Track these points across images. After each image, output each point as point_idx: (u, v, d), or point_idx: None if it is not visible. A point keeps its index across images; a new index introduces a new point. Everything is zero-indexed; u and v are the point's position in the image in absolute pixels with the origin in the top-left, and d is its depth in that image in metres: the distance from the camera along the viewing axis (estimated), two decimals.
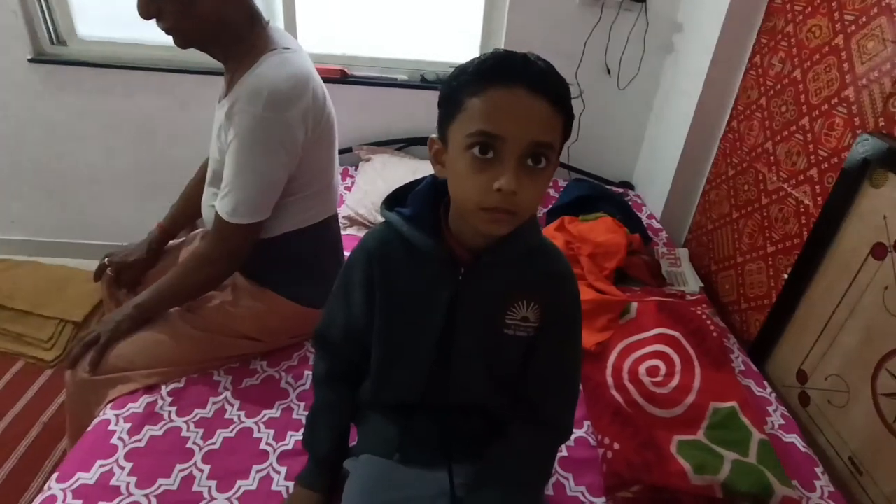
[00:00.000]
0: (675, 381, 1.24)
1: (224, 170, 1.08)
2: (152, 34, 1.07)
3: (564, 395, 0.86)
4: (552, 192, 2.06)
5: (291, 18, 1.90)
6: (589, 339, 1.33)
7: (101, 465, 0.96)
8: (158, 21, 0.99)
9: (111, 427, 1.03)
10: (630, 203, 2.02)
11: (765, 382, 1.34)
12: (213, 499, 0.93)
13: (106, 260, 1.33)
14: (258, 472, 0.99)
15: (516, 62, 0.64)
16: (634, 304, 1.44)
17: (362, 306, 0.83)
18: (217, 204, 1.09)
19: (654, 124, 2.05)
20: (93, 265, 1.36)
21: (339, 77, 1.94)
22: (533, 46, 1.90)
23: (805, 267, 1.34)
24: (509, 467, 0.84)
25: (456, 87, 0.66)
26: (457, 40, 2.01)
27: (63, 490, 0.91)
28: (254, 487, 0.96)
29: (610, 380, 1.24)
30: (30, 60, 1.88)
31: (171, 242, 1.39)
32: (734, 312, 1.64)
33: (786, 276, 1.41)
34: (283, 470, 1.00)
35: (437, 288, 0.77)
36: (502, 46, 1.90)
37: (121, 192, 2.15)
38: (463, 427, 0.86)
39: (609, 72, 1.95)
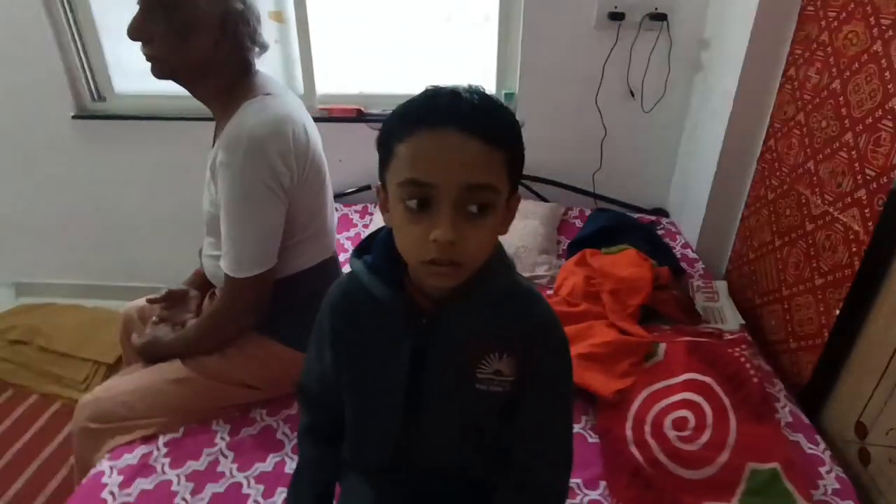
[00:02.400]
0: (705, 437, 1.10)
1: (221, 227, 1.07)
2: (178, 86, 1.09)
3: (556, 455, 0.77)
4: (577, 223, 1.96)
5: (308, 59, 1.93)
6: (607, 385, 1.22)
7: None
8: (144, 46, 1.01)
9: (104, 479, 1.02)
10: (662, 232, 1.90)
11: (817, 437, 1.17)
12: None
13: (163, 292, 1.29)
14: None
15: (443, 101, 0.59)
16: (662, 346, 1.31)
17: (331, 359, 0.78)
18: (222, 263, 1.09)
19: (686, 146, 1.93)
20: None
21: (355, 116, 1.95)
22: (549, 73, 1.86)
23: (858, 301, 1.18)
24: None
25: (385, 133, 0.62)
26: (473, 74, 1.98)
27: None
28: None
29: (629, 433, 1.12)
30: (73, 117, 2.01)
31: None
32: (783, 353, 1.47)
33: (837, 311, 1.25)
34: None
35: (398, 341, 0.71)
36: (517, 77, 1.87)
37: (160, 235, 2.24)
38: (441, 493, 0.79)
39: (633, 94, 1.86)
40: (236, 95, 1.06)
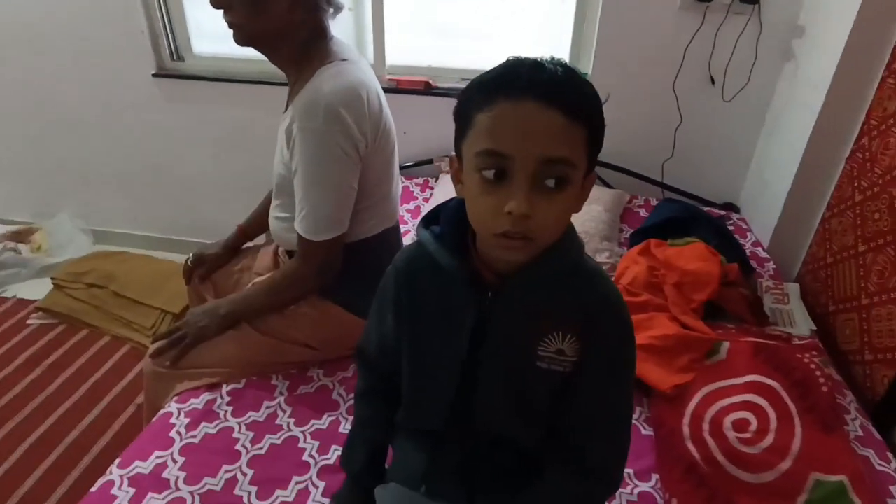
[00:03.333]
0: (767, 440, 1.06)
1: (295, 189, 1.10)
2: (254, 51, 1.11)
3: (613, 441, 0.76)
4: (642, 212, 1.90)
5: (380, 29, 1.93)
6: (665, 379, 1.19)
7: (158, 457, 1.01)
8: (226, 13, 1.04)
9: (172, 420, 1.08)
10: (731, 228, 1.81)
11: (889, 455, 1.11)
12: None
13: (190, 257, 1.44)
14: (297, 483, 0.99)
15: (525, 72, 0.58)
16: (725, 344, 1.26)
17: (392, 325, 0.79)
18: (297, 225, 1.12)
19: (766, 140, 1.82)
20: None
21: (422, 89, 1.94)
22: (626, 55, 1.80)
23: None
24: None
25: (465, 102, 0.61)
26: (544, 50, 1.93)
27: (121, 476, 0.97)
28: (291, 499, 0.96)
29: (686, 429, 1.09)
30: (153, 75, 2.09)
31: (248, 244, 1.46)
32: (855, 364, 1.39)
33: None
34: (322, 485, 0.99)
35: (461, 311, 0.71)
36: (591, 57, 1.81)
37: (224, 194, 2.32)
38: (491, 461, 0.79)
39: (713, 81, 1.76)
40: (312, 60, 1.07)
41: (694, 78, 1.76)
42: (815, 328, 1.41)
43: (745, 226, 1.85)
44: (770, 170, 1.77)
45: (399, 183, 1.30)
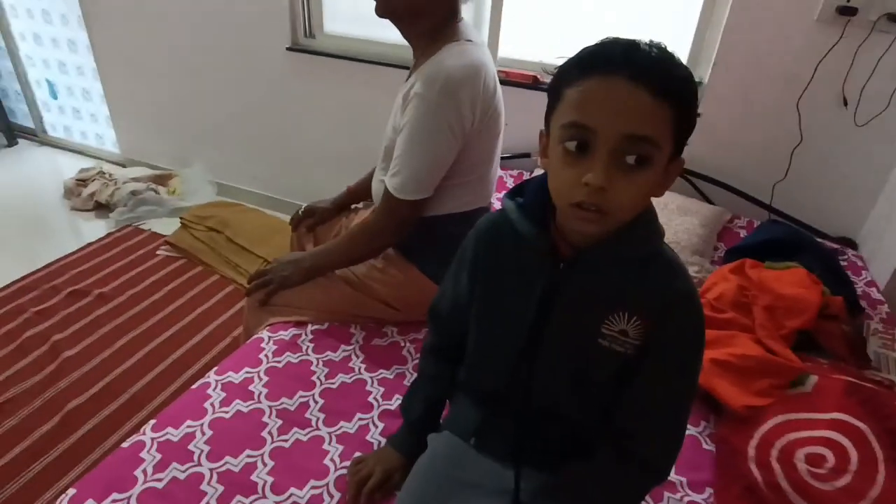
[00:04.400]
0: (843, 481, 0.99)
1: (395, 149, 1.19)
2: (383, 32, 1.21)
3: (665, 433, 0.76)
4: (743, 233, 1.80)
5: (497, 21, 1.99)
6: (739, 398, 1.14)
7: (247, 372, 1.14)
8: None
9: (262, 345, 1.22)
10: (844, 264, 1.67)
11: None
12: (317, 429, 1.04)
13: (301, 207, 1.59)
14: (360, 419, 1.08)
15: (618, 50, 0.60)
16: (813, 378, 1.18)
17: (467, 285, 0.84)
18: (387, 180, 1.20)
19: None
20: None
21: (531, 83, 1.98)
22: (749, 65, 1.73)
23: None
24: (586, 491, 0.77)
25: (558, 77, 0.64)
26: None
27: (217, 381, 1.11)
28: (352, 431, 1.05)
29: (752, 451, 1.05)
30: (287, 49, 2.31)
31: (355, 205, 1.59)
32: None
33: None
34: (381, 426, 1.07)
35: (533, 278, 0.74)
36: (710, 65, 1.75)
37: (335, 165, 2.50)
38: (543, 432, 0.82)
39: (846, 103, 1.64)
40: (440, 37, 1.15)
41: (823, 97, 1.65)
42: None
43: (860, 263, 1.70)
44: None
45: (498, 168, 1.35)
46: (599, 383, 0.77)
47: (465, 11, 2.02)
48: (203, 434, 0.99)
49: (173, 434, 0.98)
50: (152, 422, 1.00)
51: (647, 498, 0.98)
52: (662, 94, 0.58)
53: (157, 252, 2.33)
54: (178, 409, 1.03)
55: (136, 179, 2.72)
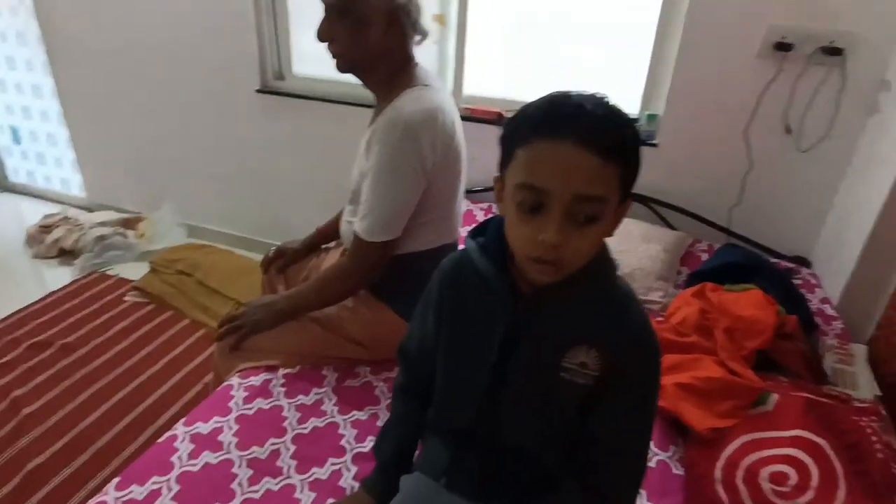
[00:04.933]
0: (805, 498, 1.02)
1: (362, 194, 1.22)
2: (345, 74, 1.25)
3: (624, 464, 0.78)
4: (705, 256, 1.87)
5: (461, 60, 2.07)
6: (703, 421, 1.17)
7: (217, 422, 1.13)
8: (330, 45, 1.19)
9: (232, 392, 1.21)
10: (799, 282, 1.74)
11: None
12: (289, 476, 1.03)
13: (272, 249, 1.60)
14: (333, 464, 1.07)
15: (566, 112, 0.62)
16: (774, 396, 1.23)
17: (433, 325, 0.86)
18: (356, 224, 1.23)
19: (845, 195, 1.75)
20: None
21: (495, 118, 2.04)
22: (699, 98, 1.82)
23: None
24: None
25: (508, 135, 0.67)
26: (619, 94, 1.98)
27: (185, 433, 1.09)
28: (325, 477, 1.04)
29: (719, 473, 1.07)
30: (257, 91, 2.34)
31: (325, 245, 1.60)
32: None
33: None
34: (354, 469, 1.06)
35: (496, 317, 0.77)
36: (664, 99, 1.83)
37: (307, 203, 2.49)
38: (510, 469, 0.83)
39: (789, 131, 1.73)
40: (398, 83, 1.20)
41: (768, 126, 1.74)
42: (880, 394, 1.33)
43: (814, 281, 1.77)
44: (846, 226, 1.69)
45: (463, 204, 1.39)
46: (563, 417, 0.78)
47: (429, 55, 2.11)
48: (170, 490, 0.97)
49: (138, 492, 0.96)
50: (116, 480, 0.98)
51: None
52: (609, 154, 0.61)
53: (125, 298, 2.29)
54: (143, 465, 1.01)
55: (102, 224, 2.68)
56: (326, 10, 1.17)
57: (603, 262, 0.73)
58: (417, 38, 1.24)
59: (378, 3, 1.14)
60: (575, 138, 0.60)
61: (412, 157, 1.14)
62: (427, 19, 1.94)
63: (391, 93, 1.20)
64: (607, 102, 0.65)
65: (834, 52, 1.61)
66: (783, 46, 1.64)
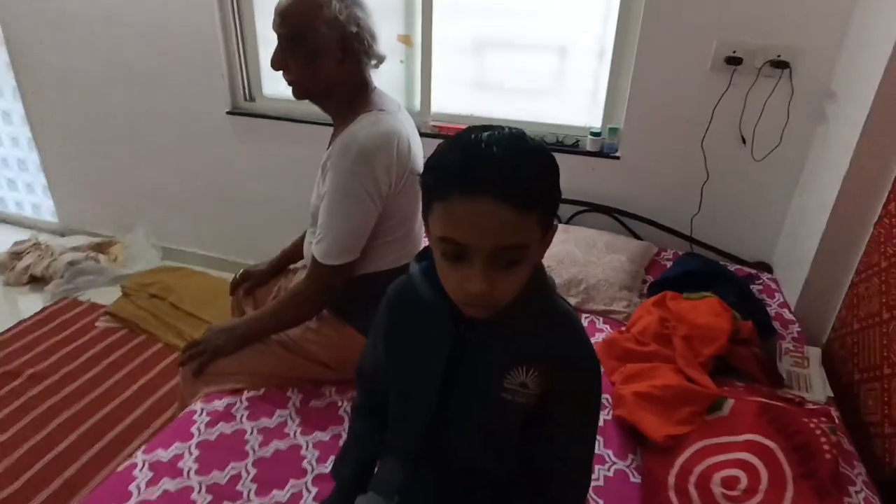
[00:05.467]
0: (754, 500, 1.05)
1: (318, 217, 1.24)
2: None
3: (570, 474, 0.80)
4: (669, 264, 1.91)
5: (427, 79, 2.10)
6: (660, 429, 1.19)
7: (177, 448, 1.13)
8: (284, 73, 1.21)
9: (195, 417, 1.21)
10: (759, 288, 1.79)
11: None
12: (249, 500, 1.04)
13: (238, 273, 1.60)
14: (293, 486, 1.08)
15: (480, 166, 0.61)
16: (730, 401, 1.26)
17: (383, 348, 0.87)
18: (313, 248, 1.25)
19: (799, 201, 1.81)
20: None
21: None
22: (656, 111, 1.86)
23: None
24: None
25: (426, 186, 0.66)
26: (582, 107, 2.03)
27: (144, 460, 1.09)
28: (284, 500, 1.05)
29: (672, 479, 1.10)
30: (227, 112, 2.36)
31: (292, 265, 1.62)
32: (876, 437, 1.33)
33: None
34: (314, 491, 1.07)
35: (438, 342, 0.78)
36: (625, 111, 1.88)
37: (280, 223, 2.49)
38: (462, 486, 0.85)
39: (744, 141, 1.79)
40: (355, 108, 1.22)
41: (723, 137, 1.80)
42: (831, 395, 1.37)
43: (774, 286, 1.82)
44: (800, 231, 1.74)
45: (423, 224, 1.41)
46: (509, 435, 0.80)
47: (396, 74, 2.15)
48: None
49: None
50: None
51: None
52: (527, 206, 0.61)
53: (97, 324, 2.27)
54: (100, 496, 1.02)
55: (74, 249, 2.66)
56: (279, 39, 1.19)
57: (538, 284, 0.75)
58: (374, 62, 1.26)
59: (330, 34, 1.16)
60: (490, 194, 0.60)
61: (366, 181, 1.16)
62: (391, 41, 2.00)
63: (348, 118, 1.22)
64: (524, 144, 0.64)
65: (781, 64, 1.67)
66: (733, 60, 1.70)
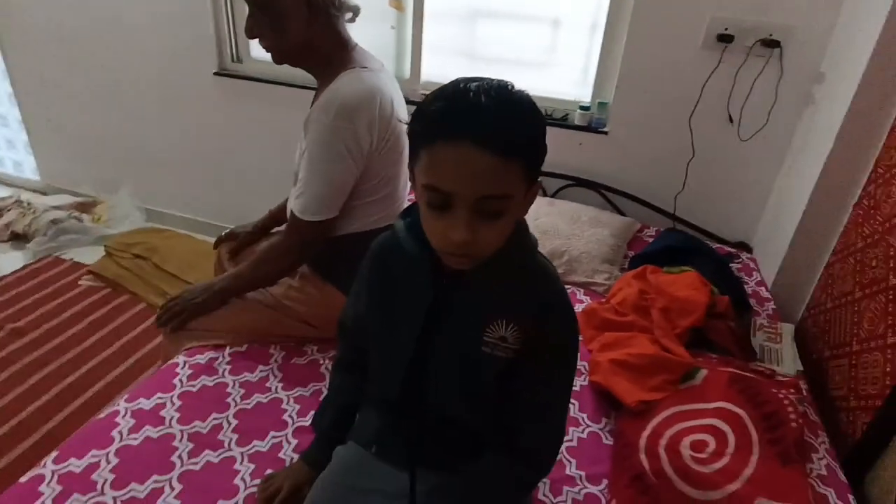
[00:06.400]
0: (721, 463, 1.08)
1: (299, 172, 1.23)
2: None
3: (543, 428, 0.82)
4: (651, 240, 1.93)
5: (418, 46, 2.08)
6: (633, 394, 1.23)
7: (159, 398, 1.14)
8: (260, 41, 1.19)
9: (177, 370, 1.22)
10: (739, 266, 1.83)
11: (850, 497, 1.11)
12: (229, 449, 1.06)
13: (224, 233, 1.60)
14: (273, 437, 1.10)
15: (464, 112, 0.61)
16: (703, 371, 1.29)
17: (365, 302, 0.89)
18: (292, 202, 1.25)
19: (782, 183, 1.83)
20: None
21: None
22: (645, 87, 1.86)
23: None
24: (474, 490, 0.82)
25: (412, 133, 0.67)
26: (573, 81, 2.03)
27: (126, 408, 1.10)
28: (265, 449, 1.07)
29: (643, 441, 1.13)
30: (214, 73, 2.32)
31: (277, 228, 1.61)
32: (842, 410, 1.38)
33: None
34: (294, 442, 1.09)
35: (420, 294, 0.80)
36: (614, 86, 1.88)
37: (266, 186, 2.46)
38: (439, 436, 0.87)
39: (731, 120, 1.80)
40: (336, 66, 1.21)
41: (711, 115, 1.81)
42: (801, 369, 1.41)
43: (753, 265, 1.86)
44: (781, 213, 1.78)
45: (407, 185, 1.41)
46: (486, 387, 0.82)
47: (386, 40, 2.12)
48: (108, 462, 0.99)
49: (76, 465, 0.97)
50: (54, 453, 0.99)
51: (548, 493, 1.04)
52: (509, 153, 0.61)
53: (79, 282, 2.25)
54: (82, 439, 1.02)
55: (57, 208, 2.63)
56: (249, 8, 1.17)
57: (520, 240, 0.76)
58: (348, 15, 1.24)
59: None
60: (473, 139, 0.60)
61: (347, 137, 1.16)
62: (383, 5, 1.97)
63: (328, 76, 1.21)
64: (509, 93, 0.64)
65: (772, 44, 1.67)
66: (725, 38, 1.70)
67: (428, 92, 2.08)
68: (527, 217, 0.77)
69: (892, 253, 1.31)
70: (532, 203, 0.74)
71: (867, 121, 1.44)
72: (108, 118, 2.61)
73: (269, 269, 1.31)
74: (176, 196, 2.70)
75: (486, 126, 0.61)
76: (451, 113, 0.62)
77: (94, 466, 0.98)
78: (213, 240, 2.50)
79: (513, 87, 0.66)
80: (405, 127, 1.30)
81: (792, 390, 1.29)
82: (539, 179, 0.72)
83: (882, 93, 1.40)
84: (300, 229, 1.23)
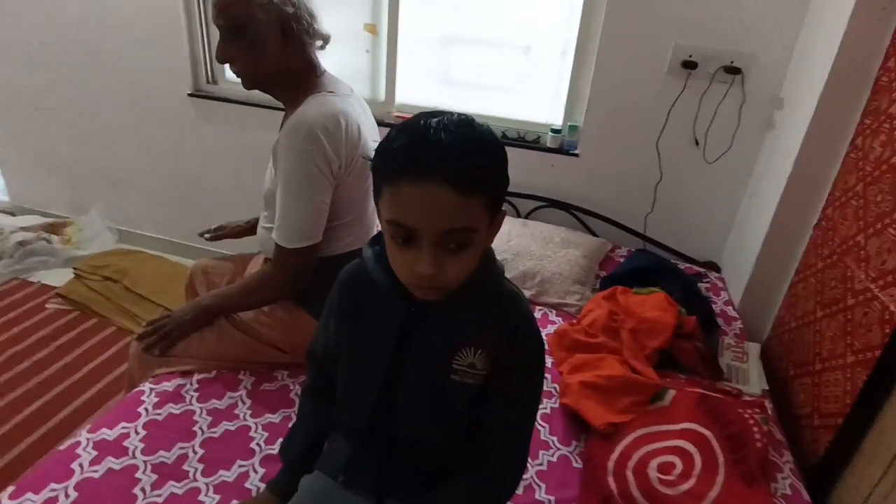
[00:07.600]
0: (687, 485, 1.10)
1: (276, 202, 1.23)
2: None
3: (508, 450, 0.83)
4: (622, 260, 1.97)
5: (392, 70, 2.11)
6: (602, 417, 1.24)
7: (123, 427, 1.12)
8: (231, 66, 1.20)
9: (143, 398, 1.20)
10: (707, 286, 1.87)
11: None
12: (195, 479, 1.04)
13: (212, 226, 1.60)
14: (240, 466, 1.08)
15: (427, 151, 0.62)
16: (671, 392, 1.31)
17: (334, 330, 0.89)
18: (275, 234, 1.24)
19: (747, 204, 1.89)
20: None
21: None
22: (614, 111, 1.90)
23: (880, 384, 1.13)
24: None
25: (375, 169, 0.67)
26: (544, 105, 2.07)
27: (88, 439, 1.08)
28: (231, 479, 1.05)
29: (611, 464, 1.14)
30: (189, 94, 2.31)
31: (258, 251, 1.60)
32: (806, 428, 1.41)
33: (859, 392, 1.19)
34: (262, 471, 1.08)
35: (389, 322, 0.80)
36: (584, 109, 1.92)
37: (239, 207, 2.45)
38: (408, 462, 0.87)
39: (697, 143, 1.86)
40: (304, 92, 1.22)
41: (677, 138, 1.86)
42: (767, 388, 1.45)
43: (721, 285, 1.90)
44: (747, 234, 1.83)
45: (375, 210, 1.42)
46: (457, 413, 0.82)
47: (362, 64, 2.14)
48: (67, 497, 0.96)
49: (33, 499, 0.95)
50: (10, 489, 0.96)
51: None
52: (472, 189, 0.62)
53: (46, 306, 2.20)
54: (41, 473, 1.00)
55: (25, 229, 2.57)
56: (221, 33, 1.18)
57: (487, 268, 0.77)
58: (318, 43, 1.26)
59: (268, 18, 1.15)
60: (438, 177, 0.61)
61: (318, 158, 1.16)
62: (357, 28, 1.99)
63: (296, 101, 1.22)
64: (471, 129, 0.65)
65: (734, 70, 1.74)
66: (689, 64, 1.76)
67: (403, 115, 2.10)
68: (500, 238, 0.78)
69: (849, 274, 1.36)
70: (497, 232, 0.75)
71: (823, 145, 1.50)
72: (80, 137, 2.57)
73: (258, 298, 1.31)
74: (149, 216, 2.67)
75: (450, 165, 0.61)
76: (414, 151, 0.63)
77: (52, 501, 0.95)
78: (185, 260, 2.50)
79: (473, 121, 0.67)
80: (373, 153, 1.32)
81: (757, 409, 1.32)
82: (503, 209, 0.73)
83: (837, 119, 1.46)
84: (288, 259, 1.23)
